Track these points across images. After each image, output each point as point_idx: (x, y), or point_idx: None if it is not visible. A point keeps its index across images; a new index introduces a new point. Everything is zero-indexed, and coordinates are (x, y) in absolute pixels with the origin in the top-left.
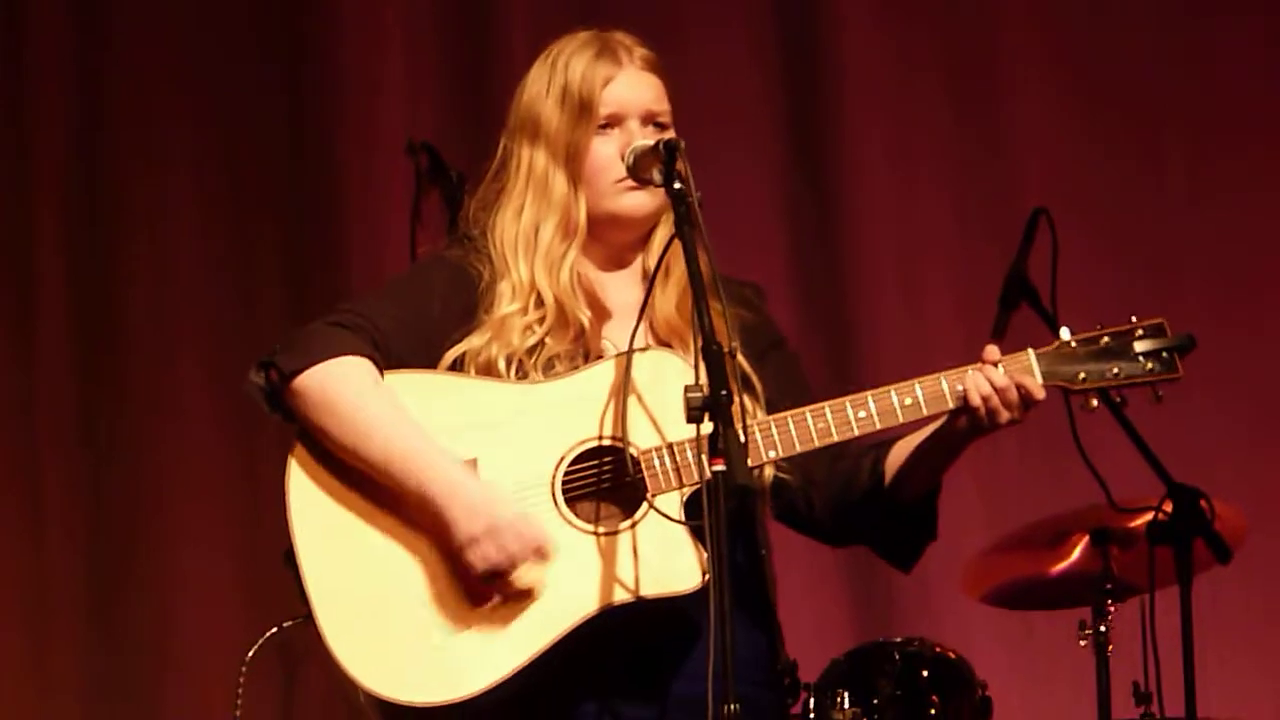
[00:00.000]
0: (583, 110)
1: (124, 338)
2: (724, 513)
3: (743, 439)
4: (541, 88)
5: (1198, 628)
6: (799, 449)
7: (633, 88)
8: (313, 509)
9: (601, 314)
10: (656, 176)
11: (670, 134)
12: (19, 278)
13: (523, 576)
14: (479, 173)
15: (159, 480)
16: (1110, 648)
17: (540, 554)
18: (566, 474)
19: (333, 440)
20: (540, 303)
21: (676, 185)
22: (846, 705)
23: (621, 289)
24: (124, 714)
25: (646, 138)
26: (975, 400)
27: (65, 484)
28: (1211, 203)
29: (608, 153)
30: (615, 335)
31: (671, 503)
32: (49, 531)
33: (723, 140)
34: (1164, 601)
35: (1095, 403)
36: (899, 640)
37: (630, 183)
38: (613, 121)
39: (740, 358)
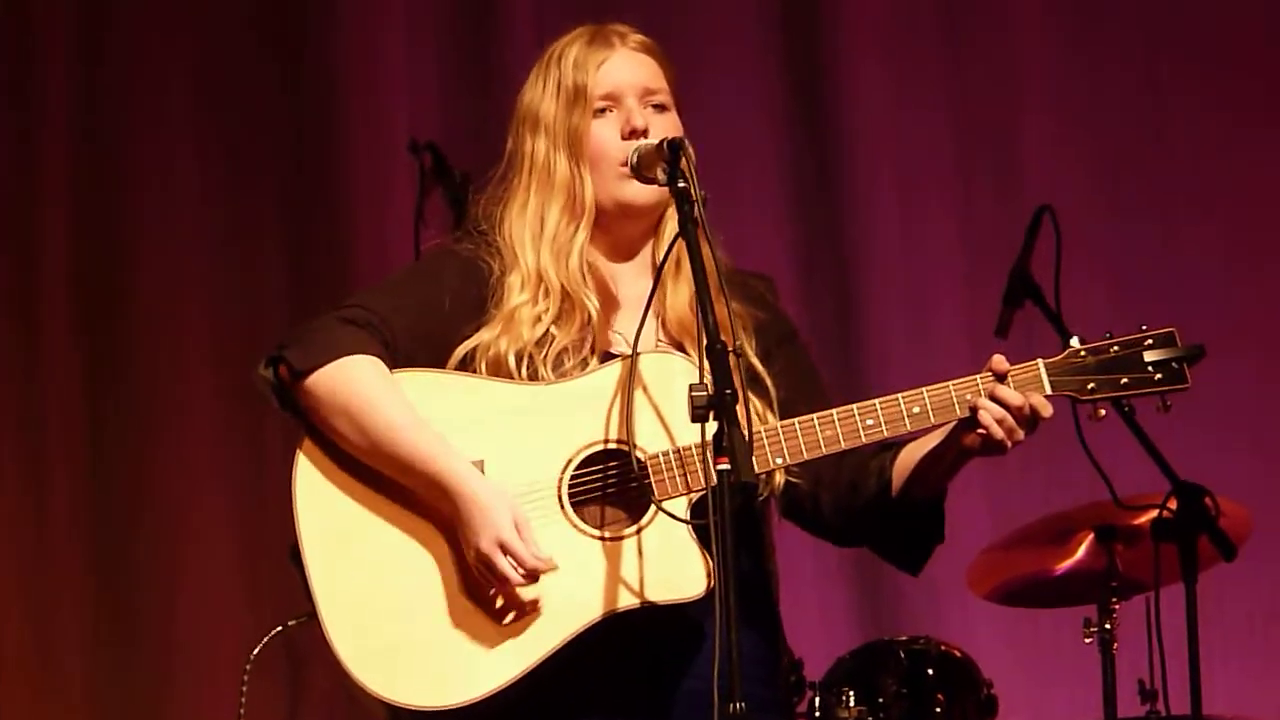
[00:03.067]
0: (578, 94)
1: (128, 332)
2: (729, 511)
3: (748, 438)
4: (539, 84)
5: (1203, 625)
6: (806, 456)
7: (626, 67)
8: (320, 506)
9: (611, 305)
10: (661, 175)
11: (670, 115)
12: (22, 268)
13: (526, 589)
14: (484, 173)
15: (163, 475)
16: (1115, 645)
17: (533, 576)
18: (573, 478)
19: (346, 440)
20: (548, 292)
21: (681, 184)
22: (852, 703)
23: (632, 281)
24: (128, 710)
25: (647, 116)
26: (990, 424)
27: (69, 479)
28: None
29: (608, 134)
30: (624, 327)
31: (678, 508)
32: (53, 527)
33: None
34: (1169, 599)
35: (1104, 412)
36: (904, 638)
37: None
38: (610, 103)
39: (752, 358)
